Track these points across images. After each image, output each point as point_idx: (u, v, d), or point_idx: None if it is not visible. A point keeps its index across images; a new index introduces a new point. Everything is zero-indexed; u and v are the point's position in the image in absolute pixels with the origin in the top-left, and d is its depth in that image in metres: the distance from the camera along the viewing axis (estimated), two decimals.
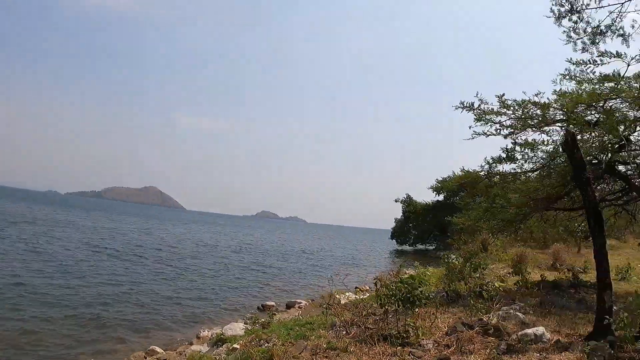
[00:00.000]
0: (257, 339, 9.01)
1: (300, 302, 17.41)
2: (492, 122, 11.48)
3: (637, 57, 8.69)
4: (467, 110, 11.38)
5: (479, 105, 11.23)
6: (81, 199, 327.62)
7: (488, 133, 11.52)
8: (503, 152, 11.70)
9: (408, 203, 60.95)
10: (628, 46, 7.98)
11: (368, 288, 18.83)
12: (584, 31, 7.98)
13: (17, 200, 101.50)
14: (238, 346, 9.17)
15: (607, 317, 7.17)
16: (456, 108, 11.47)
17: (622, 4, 7.72)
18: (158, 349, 11.50)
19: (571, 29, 8.02)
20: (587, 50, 8.12)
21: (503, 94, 11.06)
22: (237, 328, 12.24)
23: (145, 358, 10.90)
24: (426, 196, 74.20)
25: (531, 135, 11.78)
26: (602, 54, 8.82)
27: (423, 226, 58.92)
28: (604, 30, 7.82)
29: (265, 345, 8.35)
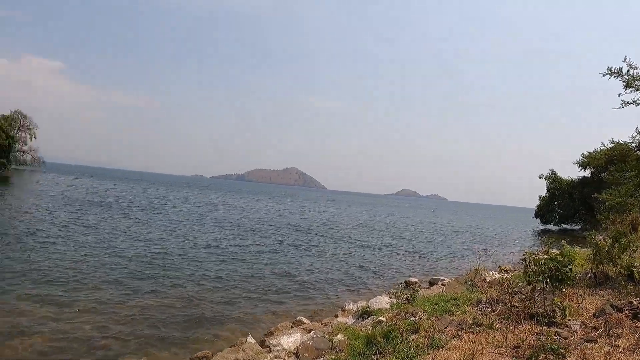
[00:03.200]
0: (404, 313, 9.31)
1: (443, 279, 17.54)
2: None
3: None
4: (615, 76, 10.79)
5: (628, 71, 10.59)
6: (225, 182, 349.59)
7: (639, 101, 10.87)
8: None
9: (553, 179, 57.93)
10: None
11: (511, 267, 18.48)
12: None
13: (168, 185, 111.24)
14: (384, 319, 9.46)
15: None
16: (604, 75, 10.91)
17: None
18: (304, 320, 12.02)
19: None
20: None
21: None
22: (382, 302, 12.54)
23: (292, 327, 11.33)
24: (572, 173, 70.09)
25: None
26: None
27: (568, 204, 55.68)
28: None
29: (412, 318, 8.69)
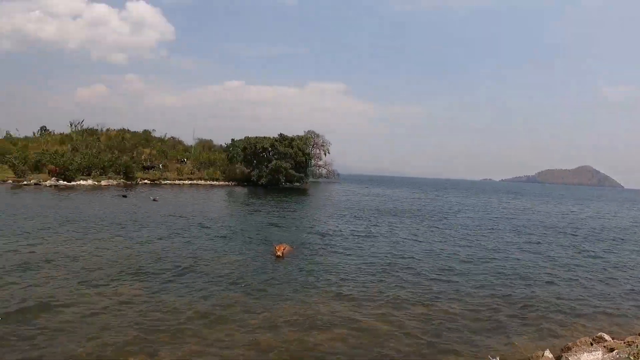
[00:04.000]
0: None
1: None
2: None
3: None
4: None
5: None
6: (516, 185, 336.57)
7: None
8: None
9: None
10: None
11: None
12: None
13: (459, 190, 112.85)
14: None
15: None
16: None
17: None
18: (606, 336, 10.92)
19: None
20: None
21: None
22: None
23: (592, 344, 10.39)
24: None
25: None
26: None
27: None
28: None
29: None
